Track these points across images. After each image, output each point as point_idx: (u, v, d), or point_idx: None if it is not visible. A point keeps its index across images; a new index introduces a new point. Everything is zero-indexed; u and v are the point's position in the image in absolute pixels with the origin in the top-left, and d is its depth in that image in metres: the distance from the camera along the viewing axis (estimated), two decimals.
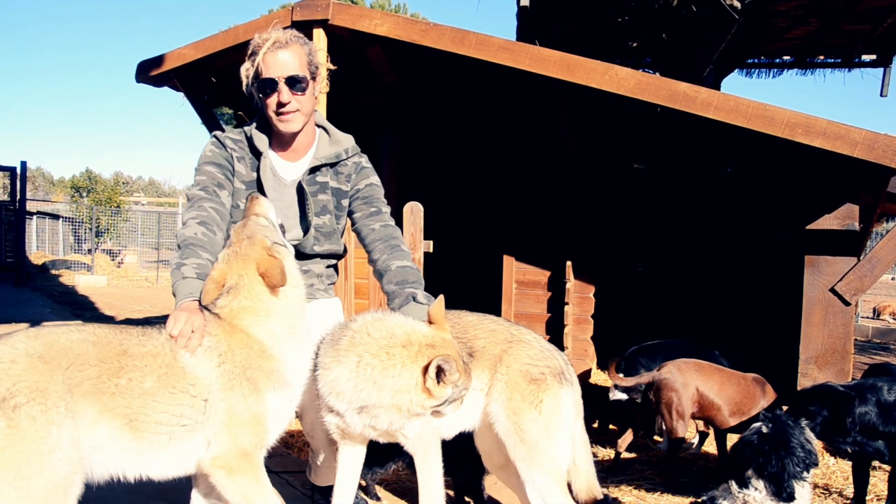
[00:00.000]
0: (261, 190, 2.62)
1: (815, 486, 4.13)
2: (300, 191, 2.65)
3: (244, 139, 2.70)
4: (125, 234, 26.41)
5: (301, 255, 2.66)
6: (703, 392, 4.13)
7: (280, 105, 2.53)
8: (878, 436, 3.24)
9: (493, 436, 2.48)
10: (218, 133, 2.71)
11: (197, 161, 2.64)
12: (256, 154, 2.66)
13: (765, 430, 2.81)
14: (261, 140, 2.67)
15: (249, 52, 2.57)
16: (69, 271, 17.99)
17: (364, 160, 2.82)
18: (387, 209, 2.78)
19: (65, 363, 1.87)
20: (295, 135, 2.65)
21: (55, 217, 24.04)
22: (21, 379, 1.76)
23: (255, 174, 2.65)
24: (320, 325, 2.45)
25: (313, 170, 2.68)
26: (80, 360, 1.90)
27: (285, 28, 2.66)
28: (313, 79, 2.61)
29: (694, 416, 4.25)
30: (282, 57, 2.51)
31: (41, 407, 1.75)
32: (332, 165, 2.73)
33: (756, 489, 2.72)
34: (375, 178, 2.81)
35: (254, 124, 2.73)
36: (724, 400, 4.14)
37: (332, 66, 2.98)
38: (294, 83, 2.52)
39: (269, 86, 2.52)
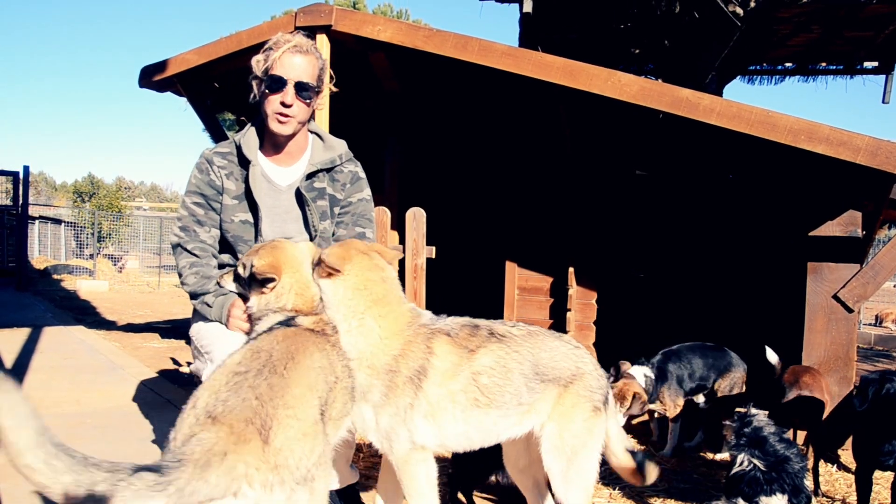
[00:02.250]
0: (250, 199, 2.63)
1: (817, 493, 4.12)
2: (300, 197, 2.65)
3: (234, 150, 2.70)
4: (127, 240, 26.50)
5: None
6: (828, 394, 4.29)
7: (283, 105, 2.54)
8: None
9: (523, 444, 2.52)
10: (207, 152, 2.72)
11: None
12: (245, 163, 2.66)
13: (761, 465, 2.77)
14: (250, 148, 2.67)
15: (267, 45, 2.59)
16: (71, 276, 18.01)
17: (360, 170, 2.83)
18: (371, 227, 2.80)
19: None
20: (288, 139, 2.66)
21: (57, 222, 24.08)
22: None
23: (245, 185, 2.65)
24: None
25: (310, 175, 2.68)
26: None
27: (297, 32, 2.69)
28: (318, 92, 2.64)
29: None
30: (298, 61, 2.55)
31: None
32: (328, 171, 2.74)
33: None
34: (367, 192, 2.84)
35: (247, 128, 2.74)
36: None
37: (334, 89, 3.03)
38: (302, 89, 2.55)
39: (277, 83, 2.54)
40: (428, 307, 5.17)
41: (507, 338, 2.32)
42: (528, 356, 2.31)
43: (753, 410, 3.05)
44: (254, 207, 2.63)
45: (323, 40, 5.54)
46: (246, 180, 2.64)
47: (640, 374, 4.78)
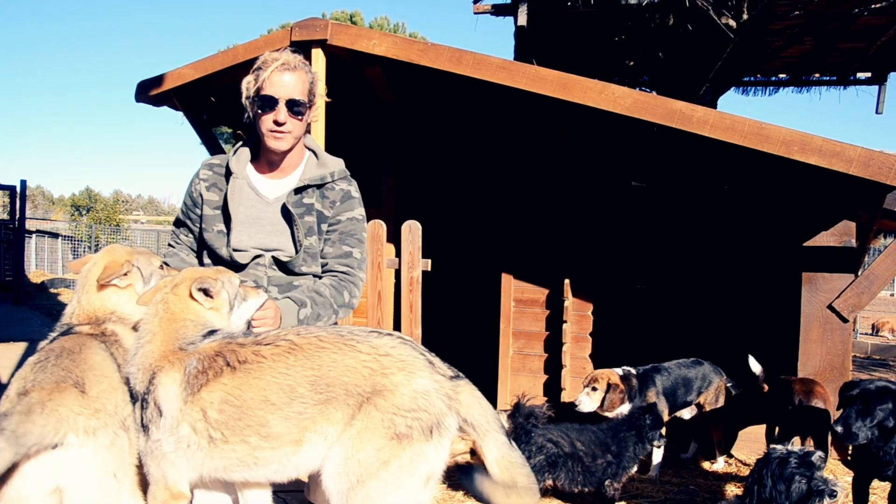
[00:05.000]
0: (225, 211, 2.66)
1: None
2: (286, 212, 2.67)
3: (225, 163, 2.76)
4: None
5: (291, 272, 2.69)
6: None
7: (276, 124, 2.58)
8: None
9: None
10: (203, 163, 2.83)
11: None
12: (228, 175, 2.70)
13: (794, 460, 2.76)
14: (239, 161, 2.72)
15: (256, 66, 2.62)
16: (68, 290, 17.96)
17: (353, 189, 2.81)
18: (360, 247, 2.78)
19: None
20: (283, 155, 2.69)
21: (54, 235, 24.09)
22: None
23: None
24: None
25: (299, 190, 2.69)
26: None
27: (285, 49, 2.71)
28: (310, 107, 2.67)
29: None
30: (287, 79, 2.58)
31: None
32: (319, 187, 2.73)
33: None
34: (359, 212, 2.80)
35: (239, 144, 2.79)
36: None
37: (327, 99, 3.08)
38: (293, 106, 2.58)
39: (268, 103, 2.56)
40: (424, 319, 5.21)
41: (248, 363, 2.02)
42: (279, 379, 1.99)
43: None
44: (227, 219, 2.66)
45: (318, 54, 5.57)
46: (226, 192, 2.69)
47: (620, 370, 4.77)
